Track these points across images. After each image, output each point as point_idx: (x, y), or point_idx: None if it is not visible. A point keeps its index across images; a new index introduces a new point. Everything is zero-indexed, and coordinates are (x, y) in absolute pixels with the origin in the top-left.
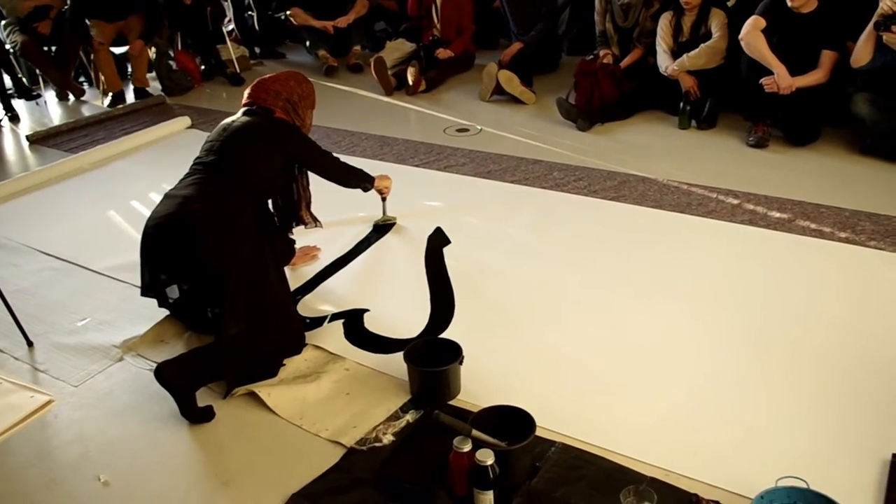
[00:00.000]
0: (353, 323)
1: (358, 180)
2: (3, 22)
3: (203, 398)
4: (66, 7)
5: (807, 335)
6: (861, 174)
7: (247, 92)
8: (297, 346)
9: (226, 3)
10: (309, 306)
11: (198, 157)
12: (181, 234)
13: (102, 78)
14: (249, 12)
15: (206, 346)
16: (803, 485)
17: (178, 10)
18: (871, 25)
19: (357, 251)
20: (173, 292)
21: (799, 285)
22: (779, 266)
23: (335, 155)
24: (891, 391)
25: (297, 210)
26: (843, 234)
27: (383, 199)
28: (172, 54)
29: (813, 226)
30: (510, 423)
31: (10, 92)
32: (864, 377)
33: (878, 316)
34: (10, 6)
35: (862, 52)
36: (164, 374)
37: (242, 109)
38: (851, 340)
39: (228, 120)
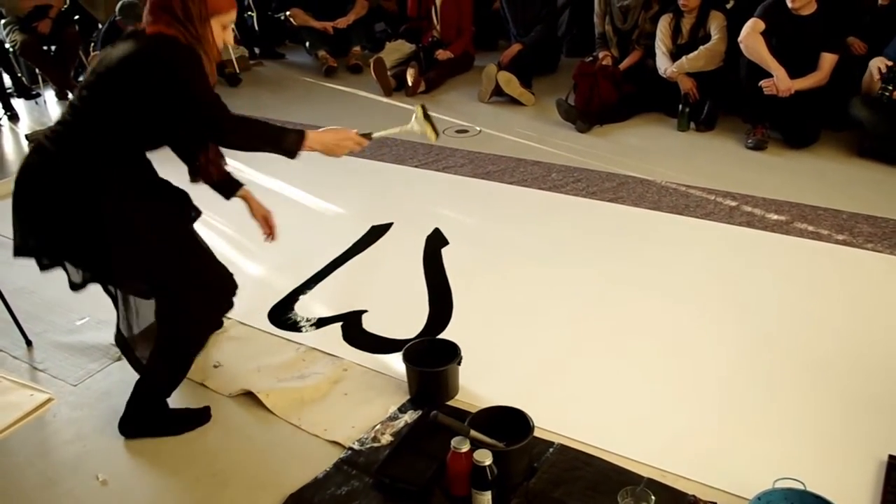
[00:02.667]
0: (351, 324)
1: (268, 141)
2: (3, 21)
3: (200, 399)
4: (65, 6)
5: (804, 337)
6: (859, 177)
7: None
8: (227, 297)
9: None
10: (307, 307)
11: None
12: (37, 194)
13: None
14: (249, 12)
15: (139, 380)
16: (800, 486)
17: None
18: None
19: (354, 251)
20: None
21: (796, 287)
22: (776, 268)
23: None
24: (887, 392)
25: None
26: (840, 237)
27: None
28: None
29: (811, 228)
30: (508, 423)
31: (9, 91)
32: (860, 379)
33: (874, 318)
34: (10, 5)
35: (873, 86)
36: (129, 432)
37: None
38: (848, 342)
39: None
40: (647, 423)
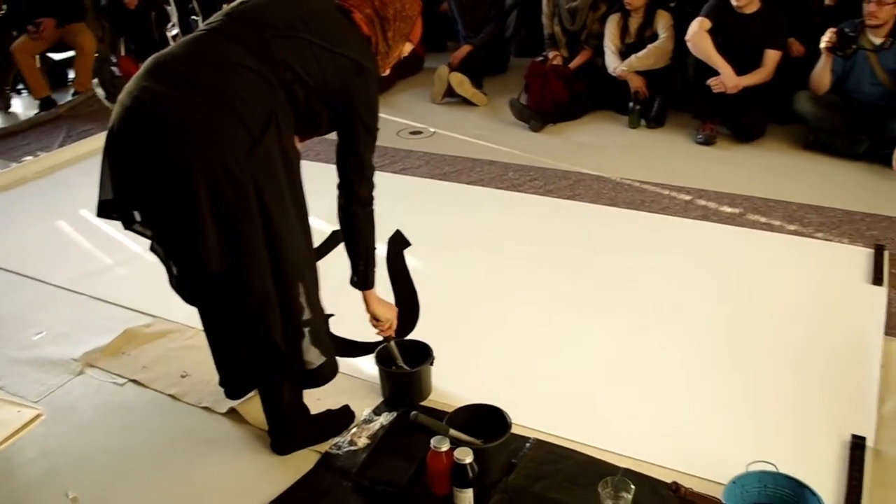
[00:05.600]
0: None
1: (367, 247)
2: None
3: (169, 410)
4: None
5: (763, 325)
6: (806, 169)
7: None
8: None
9: (170, 8)
10: None
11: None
12: (148, 127)
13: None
14: (194, 17)
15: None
16: (772, 468)
17: (122, 15)
18: (824, 55)
19: (317, 256)
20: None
21: (753, 277)
22: (734, 259)
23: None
24: (845, 375)
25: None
26: (791, 227)
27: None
28: (115, 60)
29: (763, 219)
30: (484, 421)
31: None
32: (821, 363)
33: (829, 303)
34: None
35: (822, 81)
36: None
37: None
38: (806, 328)
39: None
40: (620, 414)
